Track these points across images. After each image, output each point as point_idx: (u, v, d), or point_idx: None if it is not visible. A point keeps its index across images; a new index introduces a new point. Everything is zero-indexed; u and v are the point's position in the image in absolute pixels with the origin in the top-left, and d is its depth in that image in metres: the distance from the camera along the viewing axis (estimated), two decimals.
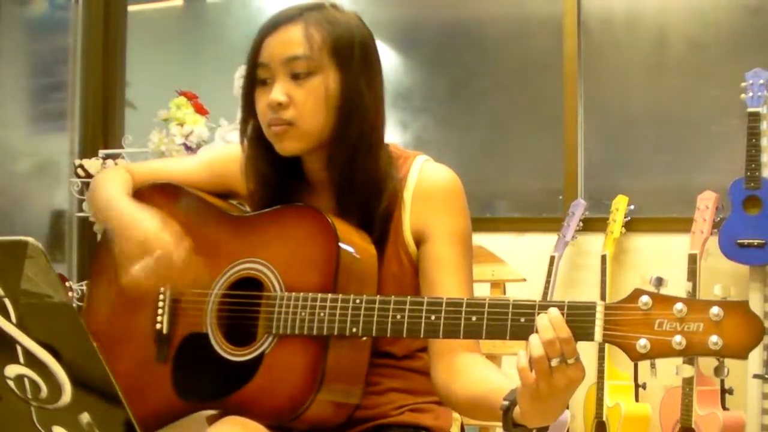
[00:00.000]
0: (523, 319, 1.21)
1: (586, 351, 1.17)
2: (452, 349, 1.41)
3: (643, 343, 1.12)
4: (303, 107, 1.43)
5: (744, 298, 1.13)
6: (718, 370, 1.14)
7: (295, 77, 1.43)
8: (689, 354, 1.10)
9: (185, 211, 1.57)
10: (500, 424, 1.24)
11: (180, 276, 1.48)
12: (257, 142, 1.51)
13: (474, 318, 1.24)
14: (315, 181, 1.53)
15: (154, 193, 1.61)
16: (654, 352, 1.11)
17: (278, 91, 1.43)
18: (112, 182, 1.59)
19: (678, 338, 1.10)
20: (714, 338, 1.08)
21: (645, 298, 1.13)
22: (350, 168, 1.46)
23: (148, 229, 1.47)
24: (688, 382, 2.99)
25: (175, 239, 1.47)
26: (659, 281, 1.17)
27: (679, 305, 1.11)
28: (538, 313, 1.18)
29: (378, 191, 1.47)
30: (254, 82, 1.47)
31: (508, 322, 1.22)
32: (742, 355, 1.08)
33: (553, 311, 1.16)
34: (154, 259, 1.45)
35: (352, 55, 1.45)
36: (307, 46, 1.42)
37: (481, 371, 1.38)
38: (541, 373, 1.15)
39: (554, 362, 1.14)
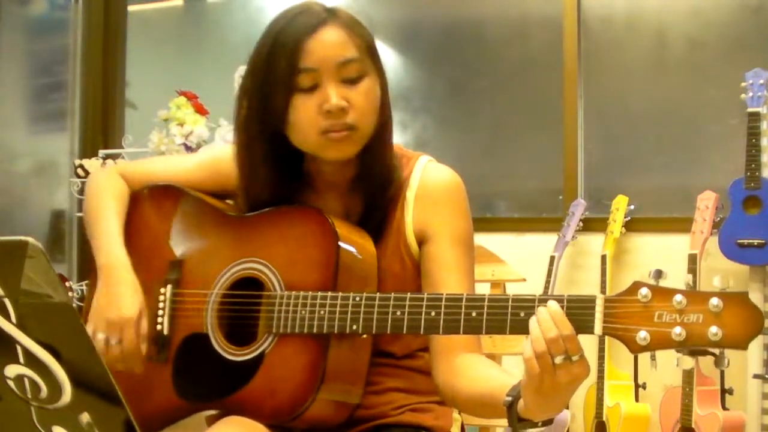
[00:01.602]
0: (522, 314, 1.21)
1: (586, 350, 1.17)
2: (454, 348, 1.41)
3: (643, 336, 1.12)
4: (363, 110, 1.41)
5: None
6: (718, 361, 1.14)
7: (347, 81, 1.40)
8: (689, 345, 1.10)
9: (184, 213, 1.57)
10: (501, 423, 1.24)
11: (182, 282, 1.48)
12: (260, 143, 1.50)
13: (474, 313, 1.24)
14: (318, 182, 1.52)
15: (153, 195, 1.61)
16: (654, 344, 1.11)
17: (337, 96, 1.39)
18: (104, 216, 1.57)
19: (678, 330, 1.10)
20: (714, 329, 1.08)
21: (644, 291, 1.13)
22: (370, 169, 1.46)
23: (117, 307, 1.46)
24: (687, 382, 2.98)
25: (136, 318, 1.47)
26: (659, 273, 1.17)
27: (678, 297, 1.11)
28: (538, 307, 1.18)
29: (384, 189, 1.47)
30: (291, 90, 1.40)
31: (508, 316, 1.22)
32: (742, 345, 1.08)
33: (553, 305, 1.16)
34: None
35: (379, 55, 1.46)
36: (355, 48, 1.41)
37: (483, 369, 1.38)
38: (544, 368, 1.15)
39: (558, 360, 1.14)
